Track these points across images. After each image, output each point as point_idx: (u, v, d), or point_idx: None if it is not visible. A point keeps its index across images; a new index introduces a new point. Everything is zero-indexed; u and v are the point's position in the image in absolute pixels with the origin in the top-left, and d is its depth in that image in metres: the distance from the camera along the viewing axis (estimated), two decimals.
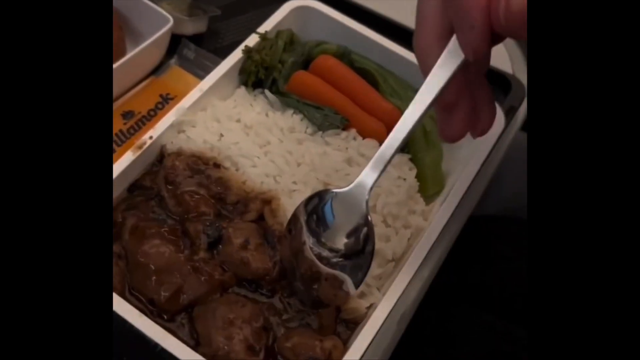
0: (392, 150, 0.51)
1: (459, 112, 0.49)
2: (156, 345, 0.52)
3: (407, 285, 0.57)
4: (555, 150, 0.35)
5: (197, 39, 0.83)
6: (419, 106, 0.49)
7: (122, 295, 0.55)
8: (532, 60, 0.36)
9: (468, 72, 0.48)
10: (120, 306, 0.53)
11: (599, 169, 0.34)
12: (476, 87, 0.50)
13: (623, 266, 0.32)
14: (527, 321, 0.33)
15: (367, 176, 0.52)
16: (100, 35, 0.40)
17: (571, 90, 0.34)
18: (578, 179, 0.34)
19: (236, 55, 0.72)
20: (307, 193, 0.62)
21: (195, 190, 0.61)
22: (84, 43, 0.39)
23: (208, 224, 0.59)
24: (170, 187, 0.62)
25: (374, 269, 0.59)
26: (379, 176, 0.52)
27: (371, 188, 0.53)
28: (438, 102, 0.48)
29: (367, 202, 0.53)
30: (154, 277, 0.56)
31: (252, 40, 0.73)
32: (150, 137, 0.64)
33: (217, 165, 0.64)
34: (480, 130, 0.52)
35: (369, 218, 0.53)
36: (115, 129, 0.73)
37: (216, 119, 0.67)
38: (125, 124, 0.74)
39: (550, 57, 0.35)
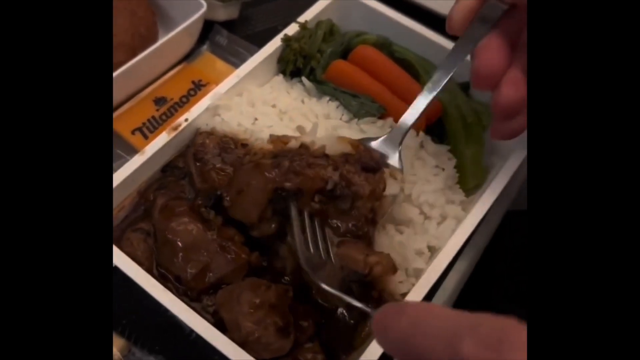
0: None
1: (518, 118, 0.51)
2: (191, 332, 0.52)
3: (438, 278, 0.54)
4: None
5: (228, 25, 0.82)
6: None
7: (149, 271, 0.55)
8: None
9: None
10: (158, 293, 0.53)
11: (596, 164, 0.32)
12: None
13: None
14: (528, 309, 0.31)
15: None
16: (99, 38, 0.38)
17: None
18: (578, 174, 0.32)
19: (275, 43, 0.71)
20: None
21: (222, 167, 0.60)
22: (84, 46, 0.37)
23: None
24: (198, 164, 0.61)
25: (414, 261, 0.57)
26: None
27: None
28: (497, 105, 0.50)
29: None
30: (181, 255, 0.55)
31: (291, 29, 0.73)
32: (186, 120, 0.64)
33: (245, 145, 0.63)
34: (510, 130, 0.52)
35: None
36: (148, 115, 0.73)
37: (251, 104, 0.67)
38: (157, 110, 0.74)
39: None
